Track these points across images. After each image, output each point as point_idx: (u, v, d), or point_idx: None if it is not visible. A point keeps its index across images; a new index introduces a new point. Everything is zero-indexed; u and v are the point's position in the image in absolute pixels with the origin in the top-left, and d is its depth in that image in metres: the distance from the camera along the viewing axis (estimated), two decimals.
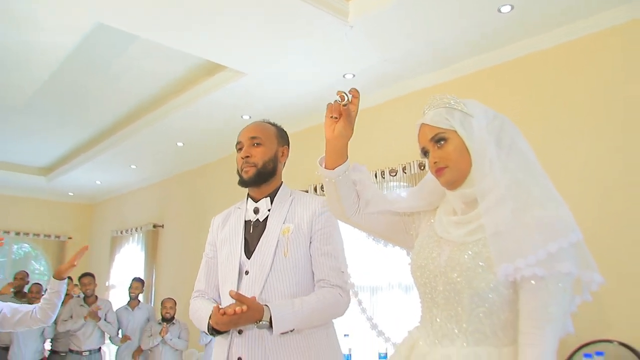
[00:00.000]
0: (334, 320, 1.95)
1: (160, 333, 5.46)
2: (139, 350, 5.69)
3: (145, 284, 6.27)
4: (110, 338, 5.81)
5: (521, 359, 1.17)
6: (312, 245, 1.88)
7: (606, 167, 3.46)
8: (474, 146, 1.33)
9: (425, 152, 1.41)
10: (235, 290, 1.76)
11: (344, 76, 4.61)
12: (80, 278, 5.82)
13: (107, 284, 8.86)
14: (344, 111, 1.47)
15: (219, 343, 1.89)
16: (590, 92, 3.62)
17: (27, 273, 6.19)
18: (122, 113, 6.05)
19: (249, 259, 1.87)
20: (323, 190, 5.64)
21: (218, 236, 2.03)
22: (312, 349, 1.82)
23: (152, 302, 7.81)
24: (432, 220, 1.47)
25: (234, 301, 1.70)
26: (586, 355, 2.29)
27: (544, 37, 3.86)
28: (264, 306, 1.71)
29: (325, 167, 1.52)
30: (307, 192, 5.47)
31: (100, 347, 5.69)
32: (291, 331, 1.76)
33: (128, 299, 6.01)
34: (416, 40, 3.99)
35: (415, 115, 1.48)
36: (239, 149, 1.98)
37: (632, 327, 3.18)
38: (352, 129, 1.50)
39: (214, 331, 1.80)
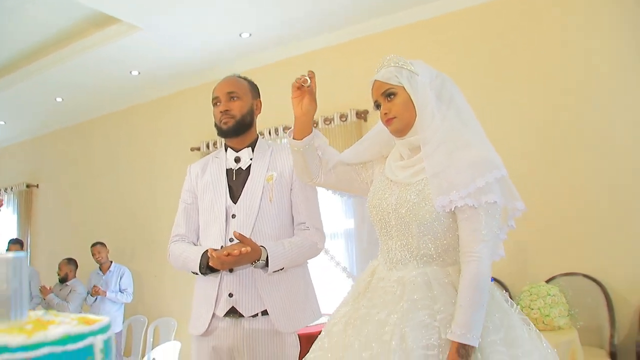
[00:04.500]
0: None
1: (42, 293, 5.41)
2: None
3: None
4: None
5: (463, 274, 1.46)
6: (293, 192, 2.09)
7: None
8: (418, 100, 1.58)
9: (377, 105, 1.68)
10: (224, 232, 1.96)
11: (240, 35, 4.72)
12: None
13: None
14: (306, 89, 1.75)
15: (205, 283, 2.06)
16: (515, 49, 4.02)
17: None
18: None
19: (235, 203, 2.05)
20: (216, 147, 5.70)
21: (198, 184, 2.17)
22: (294, 285, 2.06)
23: (28, 265, 7.45)
24: (383, 168, 1.73)
25: (218, 242, 1.97)
26: None
27: None
28: (261, 247, 1.91)
29: (294, 139, 1.79)
30: (198, 148, 5.58)
31: None
32: (281, 270, 1.97)
33: None
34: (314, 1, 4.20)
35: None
36: (216, 104, 2.11)
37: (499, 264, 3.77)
38: (316, 105, 1.79)
39: (207, 269, 1.96)
